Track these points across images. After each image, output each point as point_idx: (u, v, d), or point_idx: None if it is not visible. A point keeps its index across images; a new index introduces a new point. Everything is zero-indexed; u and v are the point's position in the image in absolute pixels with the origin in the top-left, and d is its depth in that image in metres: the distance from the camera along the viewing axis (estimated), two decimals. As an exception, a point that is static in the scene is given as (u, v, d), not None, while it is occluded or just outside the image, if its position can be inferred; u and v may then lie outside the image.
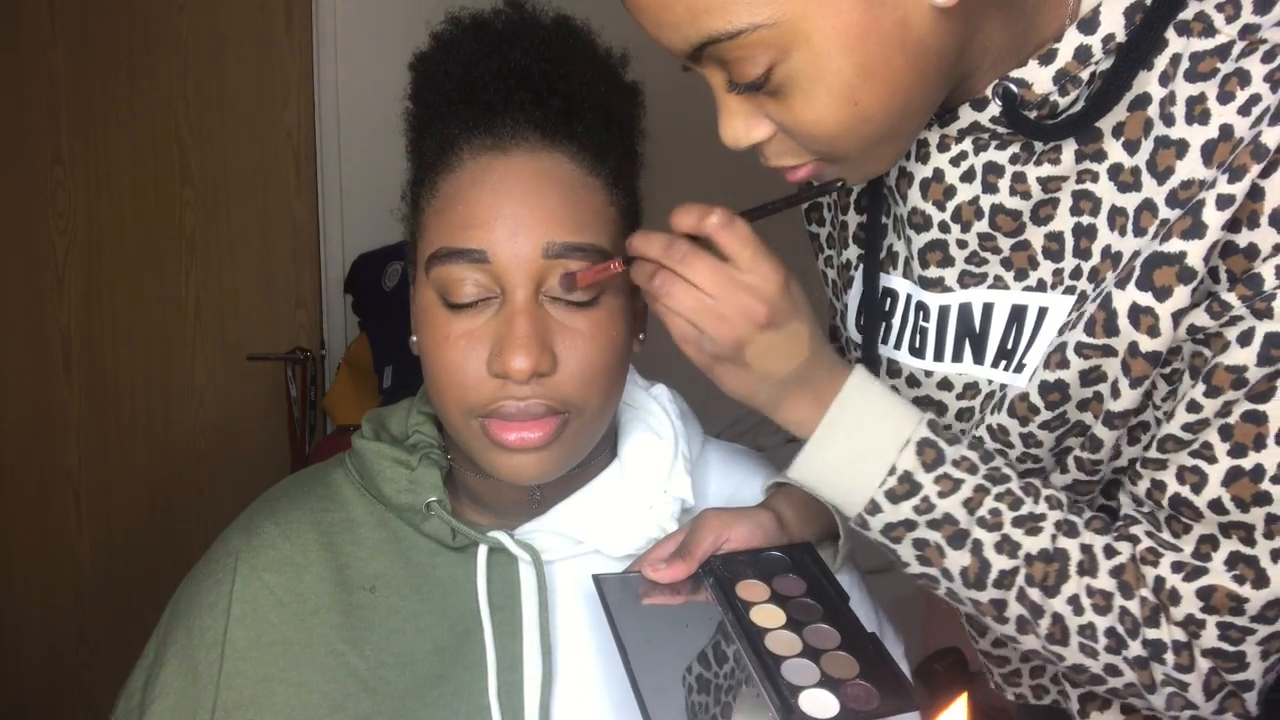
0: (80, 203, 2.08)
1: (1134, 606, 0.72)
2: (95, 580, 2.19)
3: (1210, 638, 0.70)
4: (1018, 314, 0.77)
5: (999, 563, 0.74)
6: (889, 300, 0.86)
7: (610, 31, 0.84)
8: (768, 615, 0.77)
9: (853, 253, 0.92)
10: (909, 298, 0.85)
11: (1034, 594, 0.74)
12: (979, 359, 0.80)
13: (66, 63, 2.03)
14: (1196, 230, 0.65)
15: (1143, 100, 0.69)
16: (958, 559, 0.74)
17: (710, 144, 0.76)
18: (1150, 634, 0.72)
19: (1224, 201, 0.64)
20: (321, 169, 2.14)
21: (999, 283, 0.78)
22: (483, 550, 0.83)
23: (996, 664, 0.97)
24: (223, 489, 2.22)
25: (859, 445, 0.73)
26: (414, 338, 0.82)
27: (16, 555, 2.14)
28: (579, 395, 0.76)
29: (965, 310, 0.80)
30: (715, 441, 0.98)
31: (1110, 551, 0.73)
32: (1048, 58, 0.71)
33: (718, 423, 2.22)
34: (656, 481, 0.86)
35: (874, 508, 0.74)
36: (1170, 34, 0.67)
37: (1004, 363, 0.78)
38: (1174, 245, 0.66)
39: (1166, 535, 0.72)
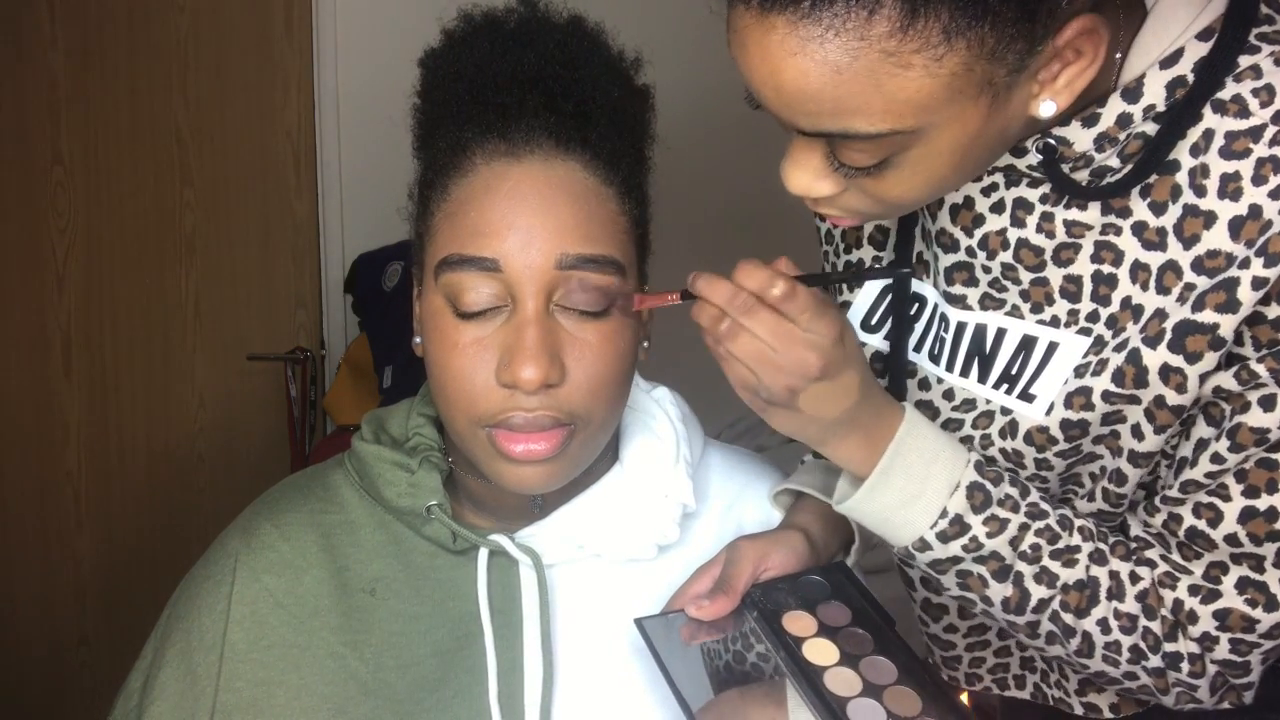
0: (80, 203, 2.07)
1: (1155, 626, 0.77)
2: (95, 580, 2.19)
3: (1223, 651, 0.77)
4: (1027, 344, 0.80)
5: (1038, 592, 0.78)
6: (916, 304, 0.89)
7: (622, 34, 0.83)
8: (820, 651, 0.76)
9: (867, 253, 0.94)
10: (935, 306, 0.87)
11: (1067, 618, 0.79)
12: (983, 379, 0.83)
13: (66, 63, 2.02)
14: (1230, 306, 0.70)
15: (1171, 166, 0.72)
16: (1000, 590, 0.79)
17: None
18: (1169, 648, 0.77)
19: (1259, 283, 0.68)
20: (321, 169, 2.14)
21: (1015, 311, 0.81)
22: (483, 553, 0.83)
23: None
24: (223, 489, 2.21)
25: (912, 490, 0.76)
26: (417, 339, 0.82)
27: (16, 555, 2.13)
28: (586, 406, 0.76)
29: (980, 330, 0.83)
30: (716, 444, 0.98)
31: (1135, 578, 0.78)
32: (1090, 121, 0.73)
33: (716, 423, 2.22)
34: (658, 485, 0.86)
35: (923, 545, 0.77)
36: (1206, 110, 0.70)
37: (1005, 386, 0.81)
38: (1208, 316, 0.71)
39: (1177, 558, 0.78)
